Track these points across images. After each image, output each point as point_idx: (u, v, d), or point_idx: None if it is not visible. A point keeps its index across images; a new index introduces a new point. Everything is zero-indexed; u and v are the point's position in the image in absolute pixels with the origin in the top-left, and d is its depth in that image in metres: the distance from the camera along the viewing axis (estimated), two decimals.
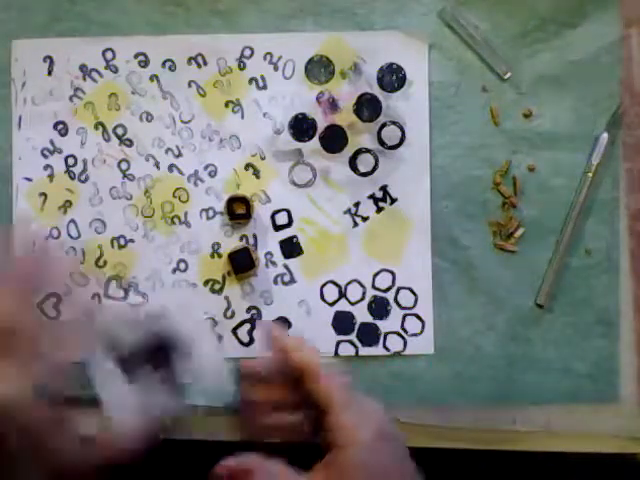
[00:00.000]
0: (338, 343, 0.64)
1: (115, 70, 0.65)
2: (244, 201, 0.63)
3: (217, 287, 0.64)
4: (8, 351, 0.49)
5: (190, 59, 0.65)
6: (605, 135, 0.64)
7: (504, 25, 0.65)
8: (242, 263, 0.62)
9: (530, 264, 0.65)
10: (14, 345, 0.49)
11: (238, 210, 0.63)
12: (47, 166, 0.65)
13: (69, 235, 0.64)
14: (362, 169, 0.65)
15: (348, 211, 0.65)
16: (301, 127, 0.64)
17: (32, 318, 0.51)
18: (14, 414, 0.48)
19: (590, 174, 0.64)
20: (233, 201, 0.63)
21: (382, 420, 0.51)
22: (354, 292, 0.65)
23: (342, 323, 0.64)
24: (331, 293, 0.65)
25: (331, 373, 0.51)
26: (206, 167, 0.65)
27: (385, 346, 0.64)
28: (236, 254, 0.62)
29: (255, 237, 0.64)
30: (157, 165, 0.65)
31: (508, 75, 0.65)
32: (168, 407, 0.54)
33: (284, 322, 0.64)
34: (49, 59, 0.64)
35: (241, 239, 0.64)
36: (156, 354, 0.54)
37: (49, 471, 0.50)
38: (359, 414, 0.50)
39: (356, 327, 0.64)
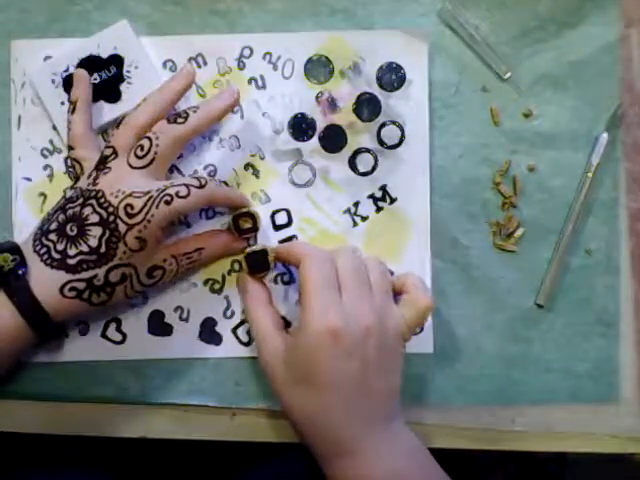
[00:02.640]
0: None
1: None
2: (250, 215, 0.62)
3: (217, 287, 0.64)
4: None
5: (190, 59, 0.65)
6: (605, 135, 0.64)
7: (504, 25, 0.65)
8: (258, 264, 0.62)
9: (530, 264, 0.65)
10: None
11: (245, 225, 0.63)
12: (47, 166, 0.65)
13: None
14: (362, 169, 0.65)
15: (347, 211, 0.65)
16: (300, 127, 0.64)
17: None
18: None
19: (590, 174, 0.64)
20: (238, 217, 0.63)
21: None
22: None
23: None
24: None
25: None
26: (205, 167, 0.65)
27: None
28: (253, 255, 0.62)
29: (255, 237, 0.64)
30: None
31: (508, 75, 0.65)
32: None
33: (284, 322, 0.64)
34: (49, 59, 0.64)
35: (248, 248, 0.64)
36: None
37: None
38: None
39: None
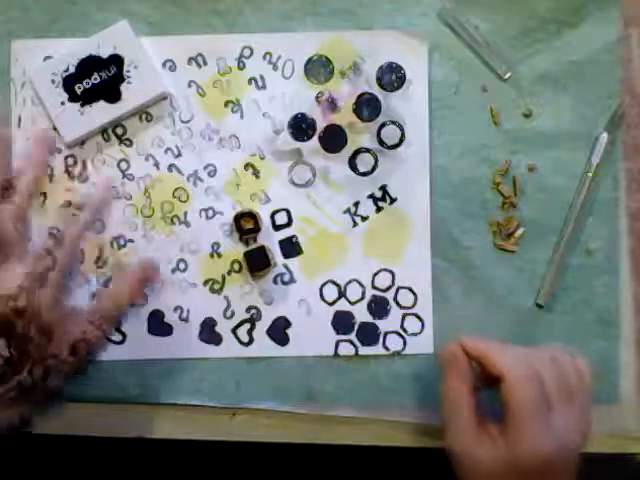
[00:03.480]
0: (338, 343, 0.64)
1: None
2: (251, 215, 0.63)
3: (217, 287, 0.64)
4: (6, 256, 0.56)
5: (190, 59, 0.65)
6: (605, 135, 0.64)
7: (504, 25, 0.65)
8: (258, 261, 0.62)
9: (530, 264, 0.65)
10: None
11: (247, 225, 0.63)
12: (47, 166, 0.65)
13: None
14: (362, 169, 0.65)
15: (348, 211, 0.65)
16: (300, 127, 0.64)
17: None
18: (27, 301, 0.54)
19: (590, 174, 0.64)
20: (240, 217, 0.63)
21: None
22: (354, 292, 0.64)
23: (342, 323, 0.64)
24: (331, 293, 0.65)
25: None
26: (205, 167, 0.65)
27: (385, 346, 0.64)
28: (252, 252, 0.62)
29: (255, 237, 0.64)
30: (157, 165, 0.65)
31: (508, 75, 0.65)
32: None
33: (284, 322, 0.64)
34: (49, 59, 0.64)
35: (240, 239, 0.64)
36: None
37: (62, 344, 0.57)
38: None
39: (356, 327, 0.64)
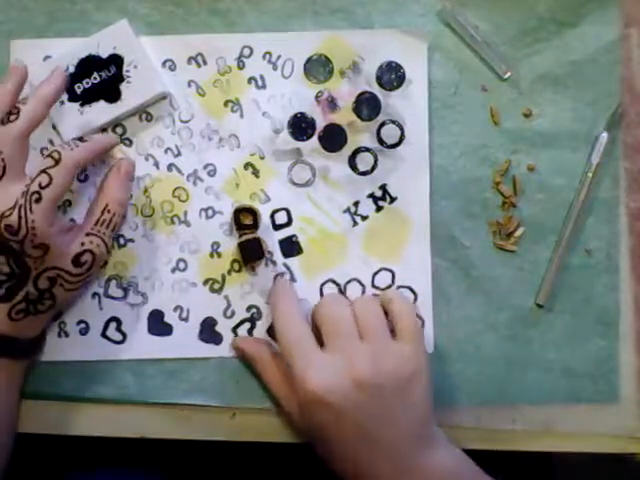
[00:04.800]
0: None
1: None
2: (250, 212, 0.63)
3: (217, 286, 0.64)
4: None
5: (190, 59, 0.65)
6: (605, 135, 0.64)
7: (504, 25, 0.65)
8: (252, 253, 0.62)
9: (530, 264, 0.65)
10: None
11: (245, 221, 0.63)
12: None
13: None
14: (361, 168, 0.65)
15: (347, 210, 0.65)
16: (300, 126, 0.64)
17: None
18: None
19: (590, 174, 0.64)
20: (239, 212, 0.63)
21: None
22: (354, 291, 0.64)
23: None
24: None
25: None
26: (205, 166, 0.65)
27: None
28: (246, 243, 0.62)
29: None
30: (156, 165, 0.65)
31: (508, 75, 0.65)
32: None
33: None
34: (49, 59, 0.64)
35: (238, 232, 0.64)
36: None
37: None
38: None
39: None
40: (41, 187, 0.56)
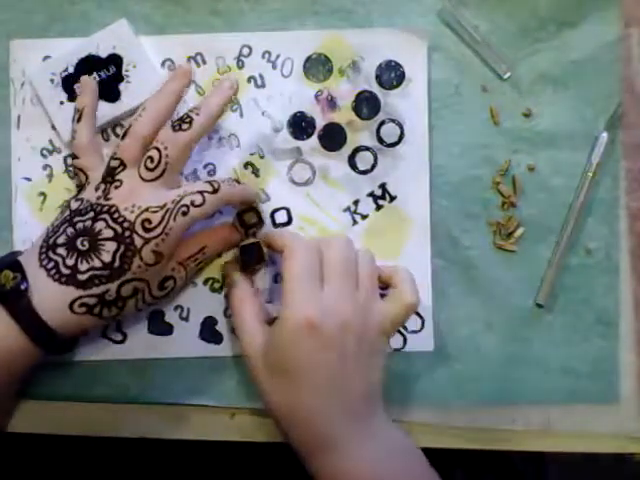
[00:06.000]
0: None
1: None
2: (254, 211, 0.63)
3: (217, 286, 0.64)
4: None
5: (189, 58, 0.65)
6: (605, 135, 0.64)
7: (504, 25, 0.65)
8: (252, 257, 0.62)
9: (530, 264, 0.65)
10: None
11: (251, 220, 0.63)
12: (46, 166, 0.65)
13: None
14: (361, 167, 0.65)
15: (347, 209, 0.65)
16: (300, 125, 0.64)
17: None
18: None
19: (590, 174, 0.64)
20: (242, 213, 0.63)
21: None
22: None
23: None
24: None
25: None
26: (205, 166, 0.65)
27: None
28: (247, 248, 0.62)
29: (255, 234, 0.64)
30: None
31: (508, 75, 0.65)
32: None
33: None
34: (48, 59, 0.64)
35: (246, 234, 0.64)
36: None
37: None
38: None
39: None
40: (192, 204, 0.57)
